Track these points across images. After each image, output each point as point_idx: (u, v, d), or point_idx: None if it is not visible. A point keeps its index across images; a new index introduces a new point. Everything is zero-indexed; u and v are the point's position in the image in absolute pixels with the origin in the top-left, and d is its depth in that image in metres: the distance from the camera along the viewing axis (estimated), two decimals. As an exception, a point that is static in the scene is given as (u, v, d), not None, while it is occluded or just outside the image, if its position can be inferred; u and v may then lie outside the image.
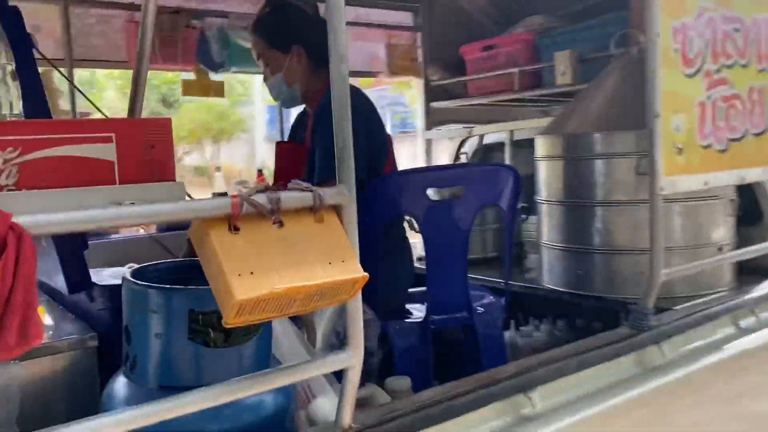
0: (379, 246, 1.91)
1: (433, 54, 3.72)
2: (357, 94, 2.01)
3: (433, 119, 3.86)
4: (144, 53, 1.40)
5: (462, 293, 1.95)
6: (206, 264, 0.99)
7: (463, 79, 3.54)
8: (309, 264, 1.03)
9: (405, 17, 3.71)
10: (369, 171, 1.95)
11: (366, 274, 1.07)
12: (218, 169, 3.88)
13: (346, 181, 1.12)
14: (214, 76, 2.98)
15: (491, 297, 2.20)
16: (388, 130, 2.27)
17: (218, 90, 2.98)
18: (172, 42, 2.71)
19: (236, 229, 1.00)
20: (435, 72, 3.71)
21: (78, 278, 1.39)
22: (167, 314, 1.19)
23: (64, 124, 0.92)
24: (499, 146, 3.51)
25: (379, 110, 2.12)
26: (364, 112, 1.96)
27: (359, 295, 1.12)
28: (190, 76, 2.98)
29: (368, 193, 1.86)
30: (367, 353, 1.83)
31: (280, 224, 1.04)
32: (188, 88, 2.96)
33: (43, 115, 1.31)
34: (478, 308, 2.09)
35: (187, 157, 19.76)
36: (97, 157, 0.94)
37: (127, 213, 0.91)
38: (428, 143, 3.90)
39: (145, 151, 0.98)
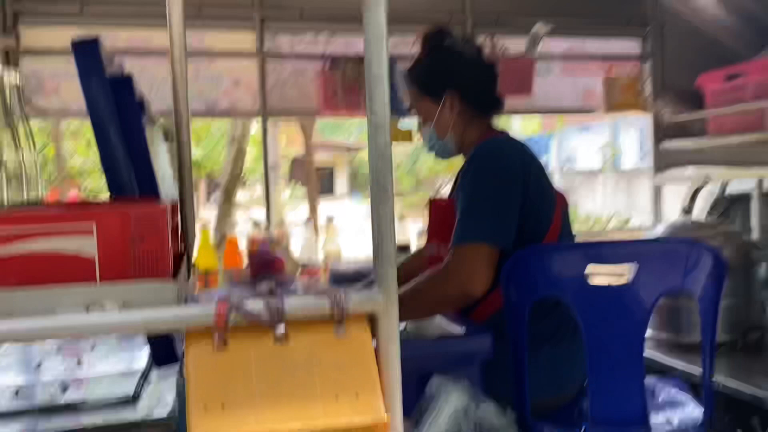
0: (523, 331, 1.56)
1: (665, 85, 3.15)
2: (509, 149, 1.69)
3: (665, 161, 3.27)
4: (180, 107, 1.29)
5: (636, 402, 1.49)
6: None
7: (699, 115, 2.91)
8: (308, 398, 0.79)
9: (628, 46, 3.21)
10: (521, 239, 1.61)
11: (384, 420, 0.78)
12: (401, 217, 3.72)
13: (384, 281, 0.85)
14: (403, 122, 2.86)
15: (693, 405, 1.67)
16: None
17: (405, 136, 2.85)
18: (354, 90, 2.65)
19: (224, 343, 0.81)
20: (666, 106, 3.13)
21: (163, 350, 1.31)
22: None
23: (35, 215, 0.82)
24: (746, 198, 2.81)
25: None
26: (514, 168, 1.63)
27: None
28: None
29: (511, 265, 1.53)
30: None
31: (283, 339, 0.82)
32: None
33: (151, 189, 1.27)
34: (669, 421, 1.60)
35: (444, 189, 20.81)
36: (74, 253, 0.82)
37: (87, 322, 0.78)
38: (657, 190, 3.30)
39: (131, 245, 0.84)
